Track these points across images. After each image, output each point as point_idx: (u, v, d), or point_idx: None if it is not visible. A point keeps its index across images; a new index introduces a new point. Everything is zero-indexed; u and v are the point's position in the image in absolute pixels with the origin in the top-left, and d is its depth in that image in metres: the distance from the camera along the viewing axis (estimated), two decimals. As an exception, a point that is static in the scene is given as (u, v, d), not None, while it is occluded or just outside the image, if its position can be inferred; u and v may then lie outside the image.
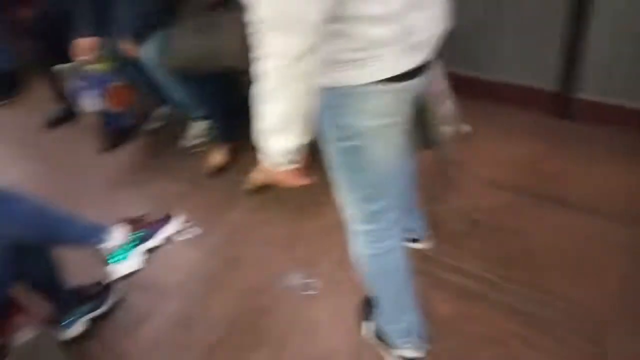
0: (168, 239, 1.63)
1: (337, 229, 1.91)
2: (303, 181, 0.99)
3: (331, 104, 0.96)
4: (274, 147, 0.92)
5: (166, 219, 1.65)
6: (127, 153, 2.56)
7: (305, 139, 0.92)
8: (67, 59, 2.16)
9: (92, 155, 2.54)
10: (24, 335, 1.20)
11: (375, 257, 1.25)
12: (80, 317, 1.71)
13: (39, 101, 2.88)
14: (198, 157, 2.38)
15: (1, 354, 1.15)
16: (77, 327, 1.70)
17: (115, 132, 2.50)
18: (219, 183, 2.27)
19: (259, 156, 0.97)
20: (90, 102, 2.25)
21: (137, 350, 1.67)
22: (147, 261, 1.59)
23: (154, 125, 2.60)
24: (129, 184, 2.37)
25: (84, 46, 2.08)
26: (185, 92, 2.17)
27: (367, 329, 1.52)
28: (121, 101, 2.36)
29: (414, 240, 1.70)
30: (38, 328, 1.25)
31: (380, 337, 1.47)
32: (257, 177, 2.13)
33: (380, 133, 1.03)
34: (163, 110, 2.60)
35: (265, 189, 2.15)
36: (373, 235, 1.22)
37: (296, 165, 0.96)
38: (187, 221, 2.02)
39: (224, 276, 1.86)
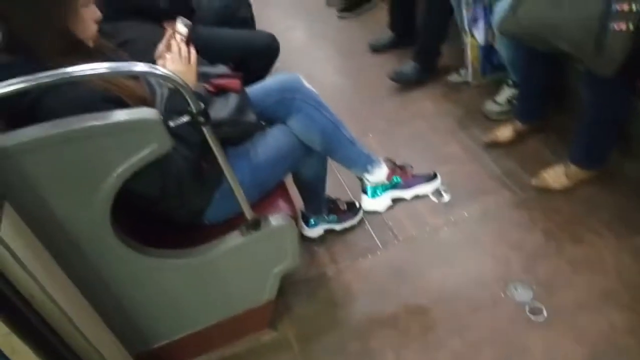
0: (419, 196, 1.65)
1: (597, 267, 1.67)
2: None
3: None
4: None
5: (428, 178, 1.66)
6: (433, 96, 2.59)
7: None
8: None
9: (397, 87, 2.66)
10: (276, 218, 1.41)
11: None
12: (324, 223, 1.92)
13: (378, 22, 3.13)
14: (490, 126, 2.28)
15: (255, 226, 1.37)
16: (317, 231, 1.92)
17: (491, 67, 2.51)
18: (494, 161, 2.16)
19: None
20: (481, 33, 2.30)
21: (350, 273, 1.82)
22: (391, 207, 1.65)
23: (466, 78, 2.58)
24: (415, 125, 2.42)
25: None
26: (510, 52, 2.08)
27: None
28: None
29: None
30: (289, 217, 1.44)
31: None
32: (551, 179, 1.95)
33: None
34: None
35: (551, 192, 1.96)
36: None
37: None
38: (443, 185, 2.01)
39: (455, 252, 1.82)
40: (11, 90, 0.94)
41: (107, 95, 1.12)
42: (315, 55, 3.13)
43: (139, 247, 1.29)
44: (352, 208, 1.97)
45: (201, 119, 1.11)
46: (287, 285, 1.76)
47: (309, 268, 1.85)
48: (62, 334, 1.15)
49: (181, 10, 1.74)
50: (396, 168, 1.64)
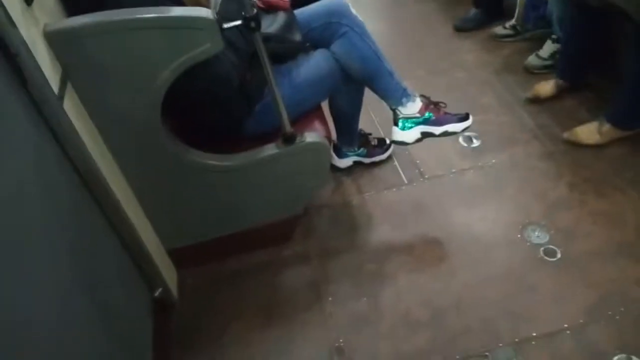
0: (448, 134, 1.70)
1: (617, 221, 1.71)
2: None
3: None
4: None
5: (460, 118, 1.70)
6: (475, 48, 2.65)
7: None
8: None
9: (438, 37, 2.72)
10: (311, 135, 1.48)
11: None
12: (354, 156, 2.00)
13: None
14: (529, 80, 2.31)
15: (290, 140, 1.46)
16: (346, 162, 2.00)
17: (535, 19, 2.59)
18: (529, 114, 2.18)
19: None
20: None
21: (374, 203, 1.91)
22: (420, 142, 1.71)
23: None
24: (453, 74, 2.48)
25: None
26: (559, 6, 2.13)
27: None
28: None
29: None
30: (324, 137, 1.52)
31: None
32: (584, 134, 1.97)
33: None
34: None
35: (581, 147, 1.98)
36: None
37: None
38: (474, 132, 2.05)
39: (477, 194, 1.88)
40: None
41: (168, -6, 1.19)
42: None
43: (183, 147, 1.39)
44: (382, 144, 2.04)
45: (253, 24, 1.17)
46: (313, 209, 1.86)
47: (334, 195, 1.95)
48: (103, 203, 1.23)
49: None
50: (430, 104, 1.68)
